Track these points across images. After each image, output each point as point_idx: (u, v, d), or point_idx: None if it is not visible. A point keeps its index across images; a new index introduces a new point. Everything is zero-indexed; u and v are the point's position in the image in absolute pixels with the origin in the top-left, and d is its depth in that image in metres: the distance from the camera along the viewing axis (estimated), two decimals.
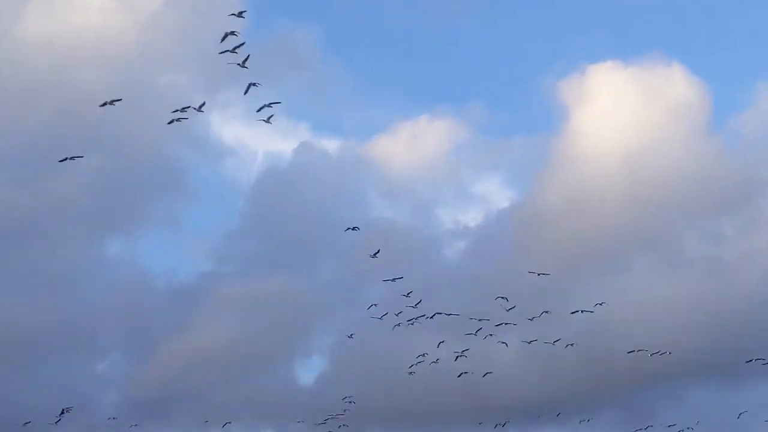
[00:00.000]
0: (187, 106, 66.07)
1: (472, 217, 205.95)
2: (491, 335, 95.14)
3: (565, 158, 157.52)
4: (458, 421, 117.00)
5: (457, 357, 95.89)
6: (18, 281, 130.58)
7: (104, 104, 65.36)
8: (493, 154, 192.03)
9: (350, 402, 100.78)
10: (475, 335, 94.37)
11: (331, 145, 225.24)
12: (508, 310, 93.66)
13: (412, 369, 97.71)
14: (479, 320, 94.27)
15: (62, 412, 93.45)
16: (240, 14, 62.65)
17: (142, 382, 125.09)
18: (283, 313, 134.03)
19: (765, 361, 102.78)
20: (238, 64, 64.27)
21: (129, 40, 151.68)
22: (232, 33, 62.82)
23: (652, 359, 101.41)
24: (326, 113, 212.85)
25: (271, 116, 67.66)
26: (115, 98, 65.21)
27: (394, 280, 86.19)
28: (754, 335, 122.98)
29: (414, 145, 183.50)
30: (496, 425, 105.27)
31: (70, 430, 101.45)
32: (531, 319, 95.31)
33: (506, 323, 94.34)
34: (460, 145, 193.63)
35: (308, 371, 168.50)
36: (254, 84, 65.71)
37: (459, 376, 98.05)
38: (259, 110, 67.38)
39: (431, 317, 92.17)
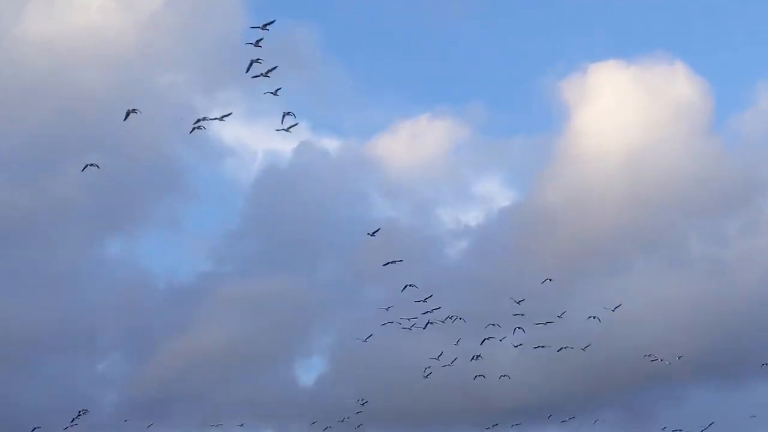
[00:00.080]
0: (214, 117, 66.47)
1: (472, 217, 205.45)
2: (502, 339, 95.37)
3: (565, 158, 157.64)
4: (458, 421, 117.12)
5: (473, 358, 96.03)
6: (18, 281, 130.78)
7: (127, 115, 66.10)
8: (493, 154, 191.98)
9: (363, 403, 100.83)
10: (488, 340, 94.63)
11: (331, 144, 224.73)
12: (514, 315, 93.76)
13: (427, 372, 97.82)
14: (492, 325, 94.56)
15: (78, 414, 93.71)
16: (264, 27, 62.70)
17: (142, 382, 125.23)
18: (283, 313, 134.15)
19: None
20: (262, 74, 64.66)
21: (129, 40, 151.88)
22: (257, 61, 63.25)
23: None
24: (326, 113, 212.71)
25: (295, 125, 68.33)
26: (134, 108, 65.92)
27: (394, 262, 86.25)
28: (754, 335, 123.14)
29: (414, 144, 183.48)
30: (513, 425, 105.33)
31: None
32: (545, 324, 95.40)
33: (518, 327, 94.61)
34: (460, 145, 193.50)
35: (308, 371, 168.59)
36: (289, 113, 66.72)
37: (475, 378, 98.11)
38: (283, 118, 67.93)
39: (443, 321, 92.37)
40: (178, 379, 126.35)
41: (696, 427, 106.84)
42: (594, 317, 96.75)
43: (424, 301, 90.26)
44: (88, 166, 71.44)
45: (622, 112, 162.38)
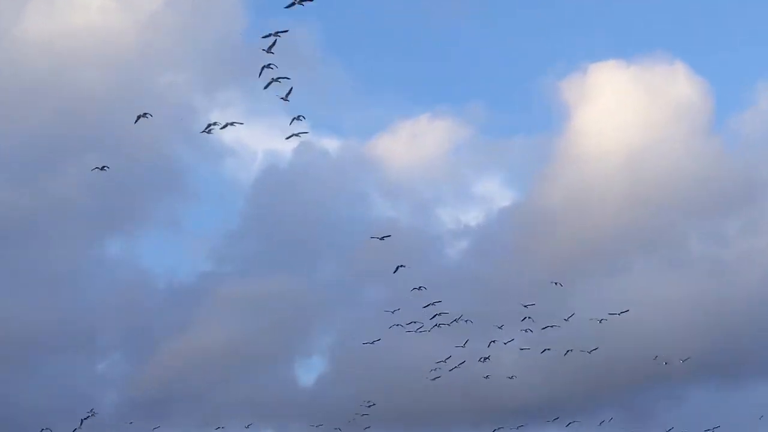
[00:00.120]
0: (226, 123, 67.37)
1: (473, 217, 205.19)
2: (508, 342, 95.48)
3: (566, 158, 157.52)
4: (459, 421, 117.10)
5: (481, 359, 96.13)
6: (18, 281, 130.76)
7: (138, 119, 66.78)
8: (493, 154, 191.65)
9: (370, 405, 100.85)
10: (494, 343, 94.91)
11: (331, 144, 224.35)
12: (523, 320, 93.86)
13: (433, 374, 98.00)
14: (500, 327, 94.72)
15: (87, 416, 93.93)
16: (277, 34, 63.06)
17: (142, 382, 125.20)
18: (283, 313, 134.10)
19: None
20: (282, 98, 65.35)
21: (129, 40, 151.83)
22: (269, 66, 63.62)
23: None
24: (326, 113, 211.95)
25: (305, 132, 69.09)
26: (146, 112, 66.70)
27: (382, 238, 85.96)
28: (755, 335, 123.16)
29: (414, 144, 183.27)
30: (518, 426, 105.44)
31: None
32: (554, 327, 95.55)
33: (528, 330, 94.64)
34: (460, 145, 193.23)
35: (308, 371, 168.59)
36: (298, 117, 67.34)
37: (486, 377, 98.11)
38: (292, 122, 68.60)
39: (448, 324, 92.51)
40: (178, 379, 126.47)
41: (696, 428, 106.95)
42: (601, 320, 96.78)
43: (432, 305, 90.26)
44: (98, 169, 71.96)
45: (622, 112, 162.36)
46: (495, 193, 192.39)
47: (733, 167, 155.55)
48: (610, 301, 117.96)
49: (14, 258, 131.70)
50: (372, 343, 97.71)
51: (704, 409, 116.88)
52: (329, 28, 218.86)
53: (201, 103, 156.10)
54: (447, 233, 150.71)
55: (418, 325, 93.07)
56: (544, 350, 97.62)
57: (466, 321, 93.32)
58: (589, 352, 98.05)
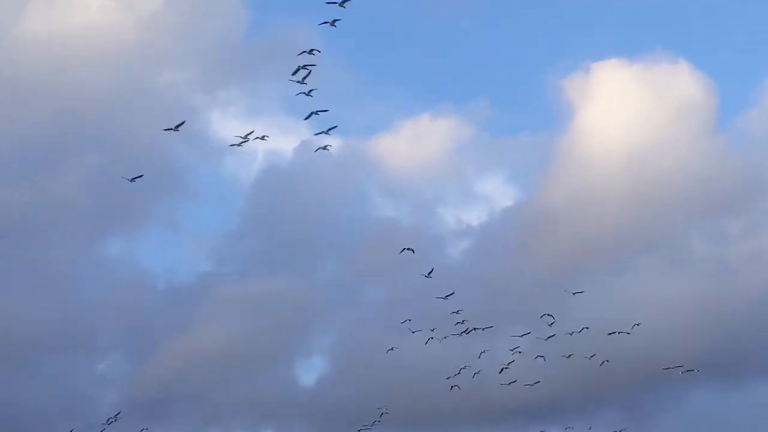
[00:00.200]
0: (250, 132, 69.27)
1: (475, 216, 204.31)
2: (514, 351, 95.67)
3: (569, 157, 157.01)
4: (459, 421, 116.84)
5: (501, 369, 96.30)
6: (18, 281, 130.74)
7: (170, 129, 67.48)
8: (496, 153, 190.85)
9: (384, 412, 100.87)
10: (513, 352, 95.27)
11: (332, 143, 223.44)
12: (550, 325, 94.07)
13: (453, 381, 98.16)
14: (521, 336, 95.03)
15: (110, 419, 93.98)
16: (311, 52, 64.04)
17: (142, 382, 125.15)
18: (283, 313, 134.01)
19: None
20: (305, 93, 66.09)
21: (129, 39, 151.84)
22: (305, 67, 64.52)
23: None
24: (327, 111, 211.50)
25: (328, 146, 70.38)
26: (179, 123, 67.77)
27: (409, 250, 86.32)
28: (755, 335, 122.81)
29: (417, 143, 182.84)
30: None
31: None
32: (571, 334, 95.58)
33: (549, 336, 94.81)
34: (463, 144, 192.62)
35: (308, 371, 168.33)
36: (317, 112, 67.73)
37: (509, 384, 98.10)
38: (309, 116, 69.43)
39: (467, 333, 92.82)
40: (178, 379, 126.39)
41: (697, 428, 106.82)
42: (619, 332, 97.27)
43: (453, 309, 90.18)
44: (127, 179, 73.03)
45: (626, 111, 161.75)
46: (497, 192, 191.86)
47: (736, 167, 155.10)
48: (612, 301, 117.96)
49: (14, 258, 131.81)
50: (387, 351, 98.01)
51: (704, 410, 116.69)
52: (330, 27, 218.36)
53: (201, 102, 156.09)
54: (449, 233, 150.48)
55: (444, 333, 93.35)
56: (565, 356, 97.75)
57: (483, 329, 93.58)
58: (589, 358, 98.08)
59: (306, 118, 69.60)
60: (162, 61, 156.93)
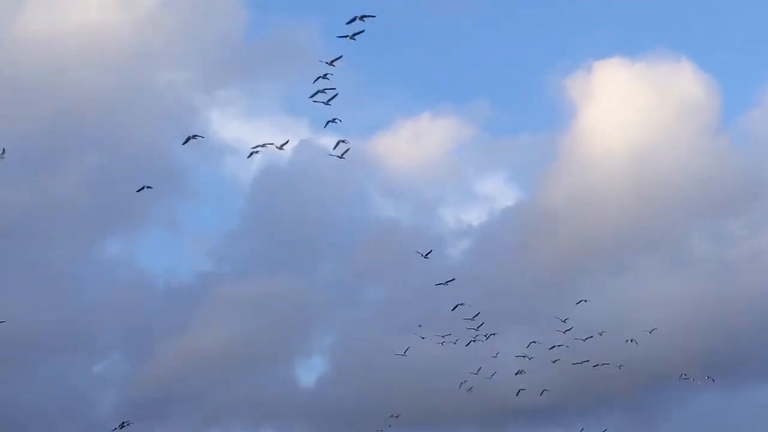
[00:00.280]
0: (270, 143, 70.38)
1: (475, 216, 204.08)
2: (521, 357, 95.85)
3: (570, 156, 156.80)
4: (459, 422, 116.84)
5: (517, 373, 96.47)
6: (18, 281, 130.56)
7: (187, 140, 67.90)
8: (497, 153, 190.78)
9: (396, 417, 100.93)
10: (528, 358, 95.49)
11: (331, 143, 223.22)
12: (564, 332, 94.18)
13: (468, 386, 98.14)
14: (536, 343, 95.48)
15: (119, 426, 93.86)
16: (332, 63, 64.46)
17: (142, 382, 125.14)
18: (283, 313, 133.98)
19: None
20: (323, 102, 67.30)
21: (129, 39, 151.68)
22: (325, 76, 64.84)
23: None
24: (327, 110, 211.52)
25: (347, 150, 70.77)
26: (198, 134, 68.14)
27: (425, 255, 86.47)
28: (756, 335, 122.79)
29: (417, 143, 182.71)
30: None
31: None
32: (584, 340, 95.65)
33: (560, 345, 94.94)
34: (463, 144, 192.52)
35: (308, 371, 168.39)
36: (334, 120, 68.41)
37: (517, 394, 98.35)
38: (335, 147, 70.18)
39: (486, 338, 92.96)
40: (178, 379, 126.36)
41: (697, 428, 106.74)
42: (632, 340, 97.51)
43: (473, 319, 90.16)
44: (144, 188, 73.53)
45: (627, 110, 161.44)
46: (498, 192, 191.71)
47: (739, 166, 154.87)
48: (613, 301, 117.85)
49: (14, 258, 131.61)
50: (404, 353, 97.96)
51: (704, 410, 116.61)
52: (330, 26, 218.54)
53: (201, 102, 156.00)
54: (449, 233, 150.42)
55: (455, 338, 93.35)
56: (576, 363, 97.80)
57: (487, 336, 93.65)
58: (619, 368, 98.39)
59: (325, 126, 70.48)
60: (161, 60, 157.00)
